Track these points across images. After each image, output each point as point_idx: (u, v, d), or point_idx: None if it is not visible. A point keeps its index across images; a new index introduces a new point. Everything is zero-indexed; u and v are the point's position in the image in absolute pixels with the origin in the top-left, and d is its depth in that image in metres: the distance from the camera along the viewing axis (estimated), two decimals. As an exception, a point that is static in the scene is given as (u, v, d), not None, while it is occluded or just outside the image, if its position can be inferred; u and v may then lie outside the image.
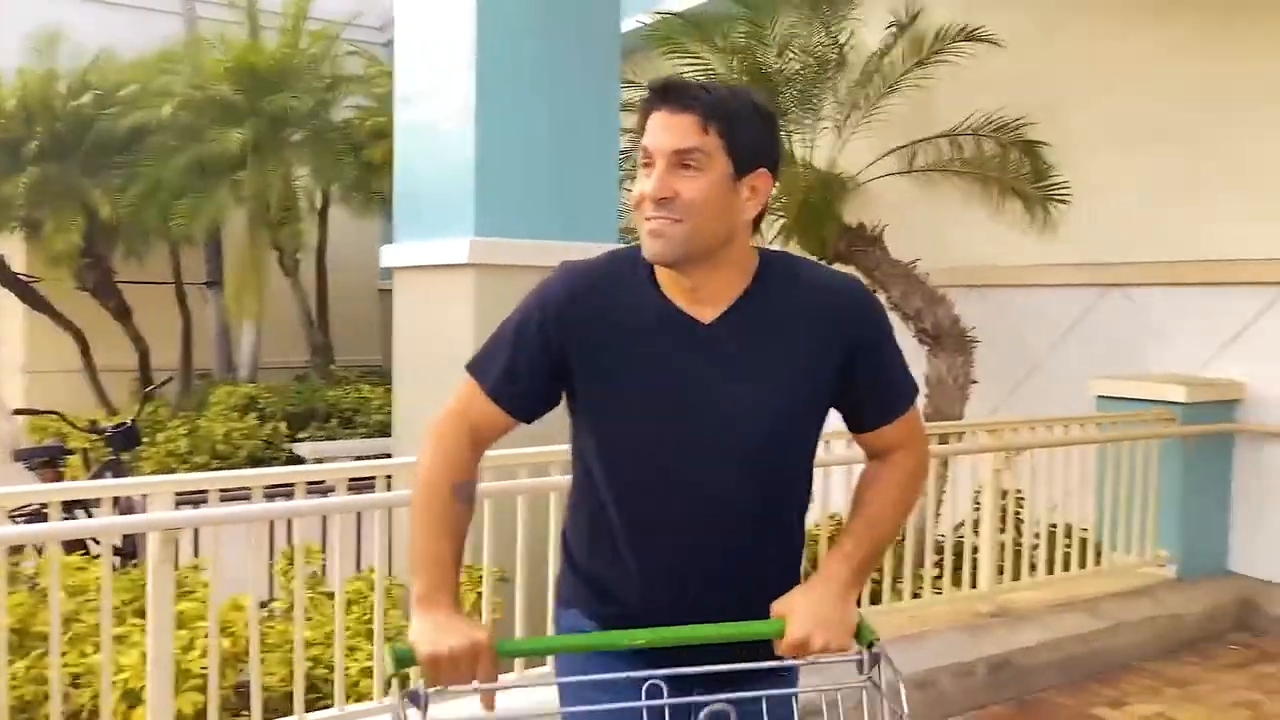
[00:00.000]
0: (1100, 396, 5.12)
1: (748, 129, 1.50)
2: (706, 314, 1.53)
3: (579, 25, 4.54)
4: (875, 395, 1.62)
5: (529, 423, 1.63)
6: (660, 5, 7.05)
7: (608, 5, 4.68)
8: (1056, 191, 5.75)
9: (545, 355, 1.56)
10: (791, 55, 6.25)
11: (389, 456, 4.72)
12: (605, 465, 1.58)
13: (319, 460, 7.75)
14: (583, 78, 4.54)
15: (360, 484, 3.31)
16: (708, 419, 1.52)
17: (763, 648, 1.48)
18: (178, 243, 10.60)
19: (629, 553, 1.57)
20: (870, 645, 1.45)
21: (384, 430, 8.16)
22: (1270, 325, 5.00)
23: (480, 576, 3.34)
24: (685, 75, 6.62)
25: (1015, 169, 5.91)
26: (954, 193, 6.20)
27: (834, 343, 1.55)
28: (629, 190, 7.52)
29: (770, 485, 1.57)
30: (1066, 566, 4.55)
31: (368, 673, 3.16)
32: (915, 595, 4.09)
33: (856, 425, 1.66)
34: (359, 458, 7.43)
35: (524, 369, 1.57)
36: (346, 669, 3.08)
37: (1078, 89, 5.84)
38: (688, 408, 1.52)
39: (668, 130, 1.47)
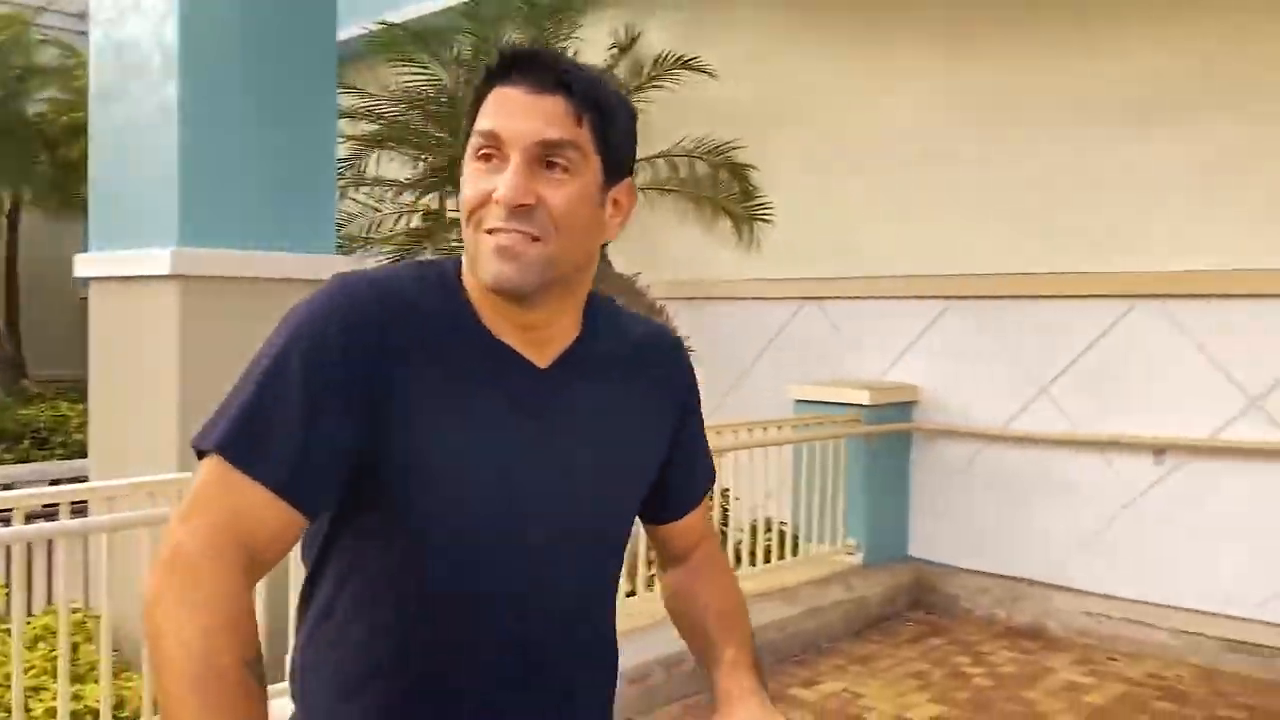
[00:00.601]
0: (798, 401, 5.58)
1: (620, 126, 1.14)
2: (541, 357, 1.16)
3: (291, 28, 4.43)
4: (687, 471, 1.34)
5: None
6: (384, 15, 6.98)
7: (323, 9, 4.60)
8: (761, 211, 6.21)
9: (360, 407, 1.05)
10: (517, 71, 6.38)
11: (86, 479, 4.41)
12: (409, 564, 1.11)
13: (5, 486, 7.06)
14: (298, 82, 4.44)
15: (51, 510, 3.09)
16: (561, 488, 1.16)
17: None
18: None
19: (442, 675, 1.14)
20: None
21: (85, 451, 7.54)
22: (939, 334, 5.65)
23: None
24: (414, 83, 6.65)
25: (726, 189, 6.34)
26: (672, 211, 6.55)
27: (667, 405, 1.29)
28: (353, 199, 7.38)
29: (610, 573, 1.28)
30: (768, 558, 4.95)
31: (53, 713, 2.96)
32: (630, 594, 4.31)
33: (662, 512, 1.35)
34: (54, 481, 6.86)
35: (328, 435, 1.03)
36: (30, 709, 2.89)
37: (781, 117, 6.33)
38: (541, 476, 1.14)
39: (531, 114, 1.08)
